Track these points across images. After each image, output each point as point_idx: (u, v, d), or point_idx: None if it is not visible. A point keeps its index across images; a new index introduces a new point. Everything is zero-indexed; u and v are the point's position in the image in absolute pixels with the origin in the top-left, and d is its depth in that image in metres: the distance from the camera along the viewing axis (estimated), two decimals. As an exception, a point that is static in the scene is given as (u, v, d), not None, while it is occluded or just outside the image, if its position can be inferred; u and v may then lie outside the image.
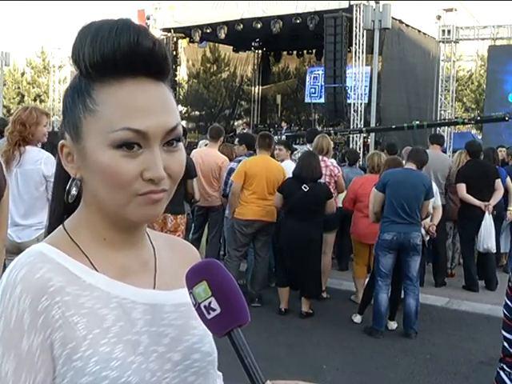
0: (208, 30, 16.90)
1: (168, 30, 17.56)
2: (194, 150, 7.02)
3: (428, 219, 5.54)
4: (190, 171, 5.34)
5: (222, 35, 16.68)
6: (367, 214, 5.54)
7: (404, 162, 5.73)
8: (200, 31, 17.06)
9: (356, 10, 13.87)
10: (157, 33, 16.56)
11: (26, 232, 3.64)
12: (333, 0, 14.39)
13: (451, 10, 16.92)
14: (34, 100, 28.49)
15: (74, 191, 0.86)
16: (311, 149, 6.50)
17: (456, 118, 15.75)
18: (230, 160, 6.55)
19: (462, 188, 6.56)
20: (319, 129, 14.85)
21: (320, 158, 5.80)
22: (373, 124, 13.68)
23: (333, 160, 6.71)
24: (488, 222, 6.41)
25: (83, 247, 0.84)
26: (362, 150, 13.20)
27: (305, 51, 21.10)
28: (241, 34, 16.60)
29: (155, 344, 0.84)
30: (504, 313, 1.65)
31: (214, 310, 0.77)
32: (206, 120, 21.29)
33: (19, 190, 3.65)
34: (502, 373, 1.66)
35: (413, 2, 15.32)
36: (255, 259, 6.01)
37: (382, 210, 5.14)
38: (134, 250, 0.88)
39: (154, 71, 0.81)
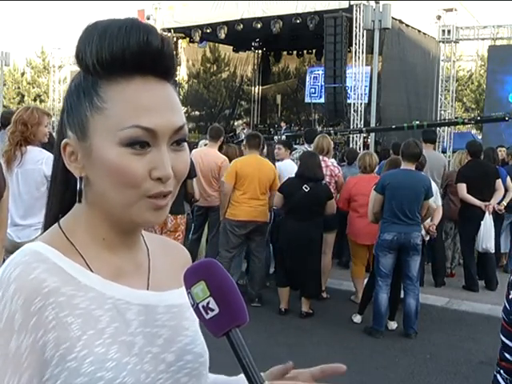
0: (208, 30, 16.88)
1: (168, 30, 17.52)
2: (194, 150, 7.01)
3: (428, 219, 5.54)
4: (190, 171, 5.28)
5: (222, 35, 16.65)
6: (362, 214, 5.54)
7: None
8: (200, 31, 17.04)
9: (356, 10, 13.84)
10: (157, 33, 16.51)
11: (25, 232, 3.64)
12: (333, 0, 14.37)
13: (451, 10, 16.90)
14: (34, 100, 28.51)
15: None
16: (309, 149, 6.50)
17: (456, 118, 15.74)
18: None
19: (462, 188, 6.56)
20: (319, 129, 14.85)
21: (320, 158, 5.81)
22: (373, 124, 13.66)
23: (333, 160, 6.72)
24: (488, 222, 6.41)
25: (78, 247, 0.84)
26: (362, 149, 13.18)
27: (305, 51, 21.05)
28: (241, 34, 16.57)
29: (150, 345, 0.84)
30: (502, 316, 1.64)
31: (212, 310, 0.76)
32: (206, 120, 21.24)
33: (19, 189, 3.66)
34: (498, 376, 1.64)
35: (413, 2, 15.30)
36: (252, 259, 6.01)
37: (382, 210, 5.15)
38: (129, 251, 0.88)
39: (162, 70, 0.81)
